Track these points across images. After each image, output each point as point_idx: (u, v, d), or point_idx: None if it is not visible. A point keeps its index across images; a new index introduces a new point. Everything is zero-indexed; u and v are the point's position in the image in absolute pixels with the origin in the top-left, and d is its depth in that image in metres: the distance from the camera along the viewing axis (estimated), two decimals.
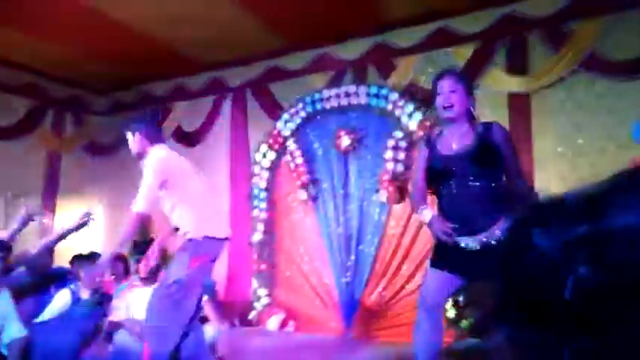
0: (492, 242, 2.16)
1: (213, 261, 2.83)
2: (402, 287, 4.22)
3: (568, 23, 3.97)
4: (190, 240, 2.75)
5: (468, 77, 2.66)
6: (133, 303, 3.34)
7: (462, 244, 2.25)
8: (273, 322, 4.57)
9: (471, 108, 2.34)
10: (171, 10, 4.52)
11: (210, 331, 3.48)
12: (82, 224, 2.94)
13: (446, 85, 2.31)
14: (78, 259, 5.08)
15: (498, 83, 4.23)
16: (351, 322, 4.29)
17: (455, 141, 2.33)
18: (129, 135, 3.08)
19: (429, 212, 2.40)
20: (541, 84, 4.03)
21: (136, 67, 5.85)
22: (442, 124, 2.49)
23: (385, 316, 4.21)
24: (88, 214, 2.82)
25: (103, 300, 3.84)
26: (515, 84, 4.15)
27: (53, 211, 6.35)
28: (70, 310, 3.58)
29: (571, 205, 0.51)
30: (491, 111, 4.26)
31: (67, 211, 6.42)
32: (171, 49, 5.29)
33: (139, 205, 2.74)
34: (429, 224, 2.38)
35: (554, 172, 4.01)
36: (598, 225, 0.47)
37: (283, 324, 4.57)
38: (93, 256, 5.09)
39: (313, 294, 4.57)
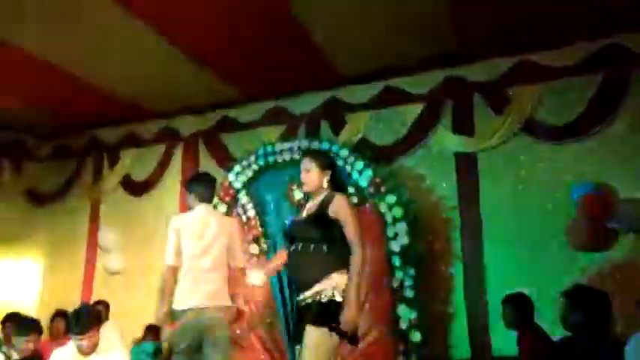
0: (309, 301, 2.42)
1: None
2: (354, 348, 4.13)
3: (509, 88, 4.19)
4: None
5: (323, 154, 2.85)
6: None
7: (299, 298, 2.53)
8: None
9: (326, 181, 2.61)
10: (125, 67, 4.47)
11: None
12: None
13: (302, 164, 2.67)
14: (12, 318, 4.72)
15: (445, 143, 4.37)
16: None
17: (307, 209, 2.64)
18: None
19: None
20: (486, 145, 4.20)
21: (82, 114, 5.68)
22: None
23: None
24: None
25: None
26: (461, 144, 4.29)
27: None
28: None
29: None
30: (439, 170, 4.39)
31: (4, 260, 6.03)
32: (121, 97, 5.18)
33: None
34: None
35: (500, 231, 4.13)
36: None
37: None
38: (28, 322, 4.76)
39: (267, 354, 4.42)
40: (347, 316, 2.31)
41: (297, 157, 4.60)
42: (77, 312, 3.00)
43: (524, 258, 3.99)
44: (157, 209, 5.50)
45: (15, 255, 6.13)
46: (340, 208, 2.49)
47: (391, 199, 4.12)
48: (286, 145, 4.67)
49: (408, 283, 3.98)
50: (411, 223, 4.07)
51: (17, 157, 6.23)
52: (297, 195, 4.53)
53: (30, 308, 5.29)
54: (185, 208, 5.33)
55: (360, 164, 4.31)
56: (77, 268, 5.85)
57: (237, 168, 4.85)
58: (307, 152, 2.77)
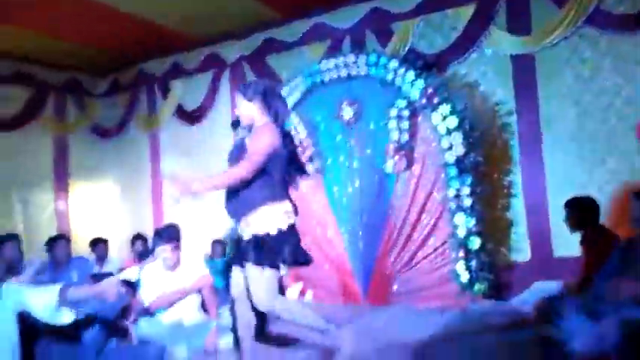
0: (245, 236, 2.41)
1: None
2: (415, 254, 4.29)
3: None
4: None
5: (250, 85, 2.59)
6: (157, 285, 3.31)
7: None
8: (292, 292, 4.69)
9: (257, 111, 2.48)
10: None
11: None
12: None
13: (236, 101, 2.61)
14: (97, 242, 5.24)
15: (500, 44, 4.12)
16: (366, 290, 4.42)
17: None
18: None
19: None
20: (545, 43, 3.92)
21: (130, 47, 5.76)
22: None
23: (400, 282, 4.32)
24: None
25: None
26: (517, 44, 4.03)
27: (67, 195, 6.44)
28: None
29: None
30: (495, 74, 4.19)
31: (81, 194, 6.54)
32: (164, 26, 5.19)
33: None
34: None
35: (562, 132, 3.98)
36: None
37: (302, 293, 4.71)
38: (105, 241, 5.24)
39: (328, 264, 4.66)
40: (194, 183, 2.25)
41: (343, 74, 4.53)
42: (159, 228, 3.39)
43: (587, 160, 3.87)
44: (211, 136, 5.67)
45: (91, 187, 6.62)
46: (253, 134, 2.43)
47: (445, 109, 4.02)
48: (332, 62, 4.57)
49: (464, 192, 3.99)
50: (466, 133, 3.99)
51: (78, 95, 6.50)
52: (348, 113, 4.51)
53: (110, 234, 5.78)
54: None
55: (410, 75, 4.18)
56: (146, 195, 6.26)
57: (285, 89, 4.84)
58: (238, 89, 2.60)
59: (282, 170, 2.43)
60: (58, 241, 4.38)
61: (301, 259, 2.47)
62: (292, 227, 2.43)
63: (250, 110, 2.48)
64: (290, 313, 2.44)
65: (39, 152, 6.19)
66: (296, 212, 2.50)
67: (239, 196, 2.38)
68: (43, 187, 6.23)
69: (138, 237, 5.14)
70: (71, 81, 6.39)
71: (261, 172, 2.35)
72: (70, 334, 2.78)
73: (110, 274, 4.20)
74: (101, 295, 2.47)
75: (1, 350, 2.20)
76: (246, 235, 2.40)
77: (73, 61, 6.11)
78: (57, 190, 6.35)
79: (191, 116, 5.88)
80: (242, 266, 2.45)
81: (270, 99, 2.51)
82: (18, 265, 3.97)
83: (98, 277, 4.05)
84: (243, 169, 2.30)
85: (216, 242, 5.01)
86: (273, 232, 2.35)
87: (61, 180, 6.39)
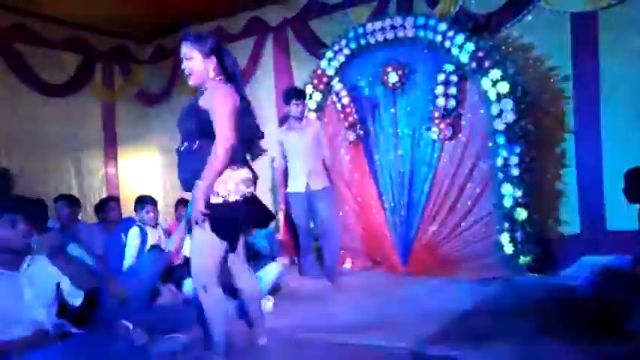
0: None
1: None
2: (458, 224, 4.20)
3: None
4: None
5: (205, 38, 2.28)
6: None
7: None
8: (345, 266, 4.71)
9: (212, 70, 2.24)
10: None
11: (274, 268, 3.64)
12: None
13: (181, 52, 2.26)
14: (142, 201, 5.40)
15: (559, 2, 3.84)
16: (406, 259, 4.38)
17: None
18: None
19: None
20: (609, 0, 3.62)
21: (174, 12, 5.77)
22: None
23: (442, 252, 4.25)
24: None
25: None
26: (579, 1, 3.74)
27: (116, 160, 6.67)
28: (139, 252, 3.82)
29: None
30: (551, 36, 3.94)
31: (128, 159, 6.75)
32: None
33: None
34: None
35: (623, 99, 3.72)
36: None
37: (341, 262, 4.72)
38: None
39: (367, 233, 4.65)
40: (194, 209, 2.12)
41: (390, 36, 4.38)
42: None
43: None
44: (254, 100, 5.61)
45: (137, 153, 6.82)
46: (210, 95, 2.18)
47: (495, 74, 3.83)
48: (378, 24, 4.41)
49: (513, 161, 3.83)
50: (517, 99, 3.80)
51: (124, 62, 6.62)
52: (392, 78, 4.38)
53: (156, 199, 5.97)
54: (280, 102, 5.45)
55: (460, 38, 3.99)
56: None
57: (328, 54, 4.75)
58: (186, 38, 2.28)
59: (241, 134, 2.21)
60: (109, 202, 4.56)
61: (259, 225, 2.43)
62: (249, 199, 2.24)
63: (206, 66, 2.24)
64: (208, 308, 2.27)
65: (89, 118, 6.39)
66: (255, 182, 2.30)
67: (192, 165, 2.19)
68: (94, 152, 6.46)
69: (181, 201, 5.28)
70: (118, 47, 6.51)
71: (210, 136, 2.15)
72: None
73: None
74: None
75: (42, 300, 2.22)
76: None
77: (120, 27, 6.20)
78: (106, 155, 6.57)
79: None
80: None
81: (226, 56, 2.30)
82: (69, 223, 4.18)
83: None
84: (222, 144, 2.10)
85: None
86: (215, 201, 2.15)
87: (110, 145, 6.60)
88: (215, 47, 2.26)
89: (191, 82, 2.27)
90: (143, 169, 6.87)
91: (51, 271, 2.21)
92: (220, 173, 2.13)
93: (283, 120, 4.56)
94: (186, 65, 2.25)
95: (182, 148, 2.24)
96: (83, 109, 6.28)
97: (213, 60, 2.25)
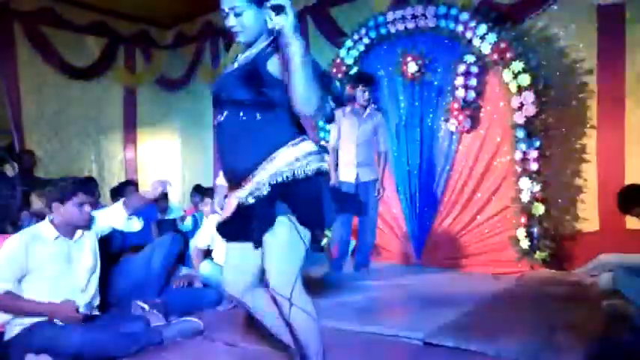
0: (249, 200, 1.66)
1: None
2: (474, 217, 4.17)
3: None
4: None
5: None
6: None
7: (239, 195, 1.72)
8: None
9: (269, 20, 1.54)
10: None
11: None
12: (159, 194, 2.91)
13: (223, 1, 1.70)
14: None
15: None
16: (421, 251, 4.38)
17: (239, 62, 1.77)
18: None
19: None
20: None
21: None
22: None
23: (456, 245, 4.24)
24: (164, 183, 2.84)
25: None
26: None
27: (135, 144, 6.77)
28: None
29: None
30: (576, 27, 3.85)
31: (146, 144, 6.85)
32: None
33: None
34: None
35: None
36: None
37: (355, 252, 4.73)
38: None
39: (383, 224, 4.64)
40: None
41: (410, 26, 4.33)
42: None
43: None
44: None
45: (157, 137, 6.91)
46: (289, 57, 1.53)
47: (517, 65, 3.76)
48: (398, 13, 4.37)
49: (532, 155, 3.78)
50: (539, 92, 3.73)
51: (146, 47, 6.69)
52: (412, 68, 4.34)
53: (176, 188, 6.06)
54: None
55: (482, 28, 3.92)
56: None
57: (348, 43, 4.72)
58: None
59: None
60: (128, 186, 4.63)
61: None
62: (325, 174, 1.70)
63: (258, 20, 1.69)
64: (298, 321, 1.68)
65: (111, 102, 6.50)
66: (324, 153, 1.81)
67: (243, 140, 1.68)
68: (114, 136, 6.57)
69: (197, 188, 5.34)
70: (140, 32, 6.57)
71: (275, 105, 1.66)
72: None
73: (173, 221, 4.44)
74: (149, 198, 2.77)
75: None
76: (254, 200, 1.65)
77: (143, 13, 6.25)
78: (126, 139, 6.68)
79: None
80: (248, 240, 1.68)
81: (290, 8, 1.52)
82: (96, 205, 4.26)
83: (161, 224, 4.30)
84: (310, 117, 1.63)
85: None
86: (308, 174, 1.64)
87: (129, 130, 6.71)
88: None
89: (241, 38, 1.73)
90: (162, 155, 6.96)
91: (95, 240, 2.58)
92: None
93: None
94: (234, 22, 1.70)
95: (222, 121, 1.71)
96: (105, 93, 6.39)
97: (268, 10, 1.55)
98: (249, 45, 1.75)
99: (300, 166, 1.63)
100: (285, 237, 1.64)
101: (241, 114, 1.67)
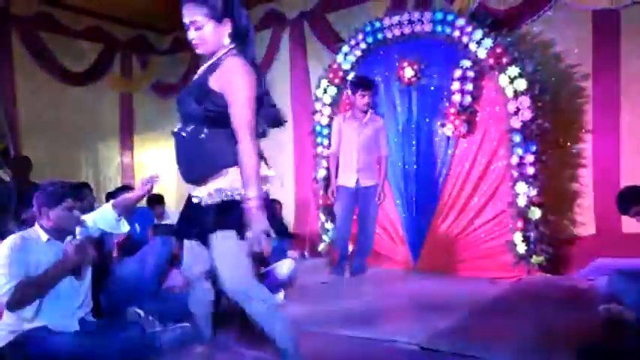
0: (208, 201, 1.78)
1: None
2: (471, 222, 4.17)
3: None
4: None
5: None
6: None
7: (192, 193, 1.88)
8: None
9: (227, 36, 1.76)
10: None
11: (286, 264, 3.64)
12: (148, 190, 2.89)
13: (185, 15, 1.77)
14: (155, 202, 5.46)
15: None
16: (418, 256, 4.37)
17: (197, 75, 1.87)
18: None
19: None
20: None
21: None
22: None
23: (453, 250, 4.23)
24: (152, 179, 2.81)
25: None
26: None
27: (132, 149, 6.76)
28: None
29: None
30: (572, 33, 3.88)
31: (143, 149, 6.83)
32: None
33: None
34: None
35: None
36: None
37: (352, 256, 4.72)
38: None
39: (380, 229, 4.63)
40: (253, 231, 1.67)
41: (407, 31, 4.35)
42: None
43: None
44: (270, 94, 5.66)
45: (153, 143, 6.89)
46: (226, 74, 1.71)
47: (513, 70, 3.78)
48: (395, 18, 4.38)
49: (528, 159, 3.79)
50: (535, 97, 3.75)
51: (143, 52, 6.69)
52: (408, 73, 4.35)
53: (171, 193, 6.03)
54: (295, 94, 5.46)
55: (478, 34, 3.94)
56: None
57: (344, 48, 4.73)
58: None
59: (263, 119, 1.83)
60: (124, 191, 4.60)
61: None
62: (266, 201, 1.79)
63: (220, 33, 1.77)
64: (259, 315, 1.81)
65: (107, 107, 6.48)
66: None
67: (200, 156, 1.78)
68: (110, 142, 6.56)
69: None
70: (138, 37, 6.57)
71: (222, 122, 1.74)
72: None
73: (170, 226, 4.42)
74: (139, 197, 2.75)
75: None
76: (210, 202, 1.77)
77: (140, 18, 6.26)
78: (122, 144, 6.66)
79: None
80: (197, 239, 1.87)
81: (240, 14, 1.80)
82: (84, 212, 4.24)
83: (158, 228, 4.29)
84: (247, 140, 1.70)
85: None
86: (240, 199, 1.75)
87: (126, 135, 6.69)
88: (228, 8, 1.77)
89: (200, 50, 1.81)
90: (158, 160, 6.94)
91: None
92: (257, 175, 1.72)
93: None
94: (194, 35, 1.78)
95: (184, 134, 1.80)
96: (102, 98, 6.38)
97: (227, 24, 1.77)
98: (210, 57, 1.84)
99: (239, 193, 1.74)
100: (232, 248, 1.77)
101: (190, 128, 1.79)
